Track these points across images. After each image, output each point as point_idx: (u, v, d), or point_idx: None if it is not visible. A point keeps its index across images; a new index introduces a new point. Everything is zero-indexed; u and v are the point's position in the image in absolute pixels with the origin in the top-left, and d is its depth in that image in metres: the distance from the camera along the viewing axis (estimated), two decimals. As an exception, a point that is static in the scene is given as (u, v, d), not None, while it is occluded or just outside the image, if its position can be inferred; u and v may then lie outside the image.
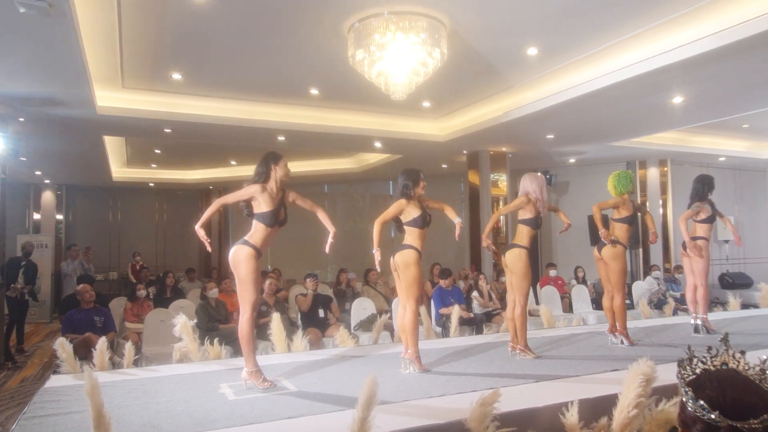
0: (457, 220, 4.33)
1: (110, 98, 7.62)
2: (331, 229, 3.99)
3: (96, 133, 9.05)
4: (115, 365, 4.75)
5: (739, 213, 13.17)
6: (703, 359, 1.20)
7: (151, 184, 15.57)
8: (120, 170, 13.65)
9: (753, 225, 13.52)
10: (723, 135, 11.33)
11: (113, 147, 11.33)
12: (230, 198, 3.89)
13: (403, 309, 4.21)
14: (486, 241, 4.75)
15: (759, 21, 5.12)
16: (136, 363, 4.64)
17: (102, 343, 4.31)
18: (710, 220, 5.62)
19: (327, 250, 3.96)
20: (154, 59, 6.65)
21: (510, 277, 4.66)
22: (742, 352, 1.19)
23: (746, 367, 1.16)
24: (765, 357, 1.17)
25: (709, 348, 1.24)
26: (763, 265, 13.34)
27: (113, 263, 15.51)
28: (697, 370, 1.19)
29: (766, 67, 6.31)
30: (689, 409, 1.14)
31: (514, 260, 4.56)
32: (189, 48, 6.35)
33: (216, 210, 3.85)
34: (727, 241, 12.58)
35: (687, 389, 1.15)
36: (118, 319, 7.26)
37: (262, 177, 3.79)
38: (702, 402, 1.11)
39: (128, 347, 4.43)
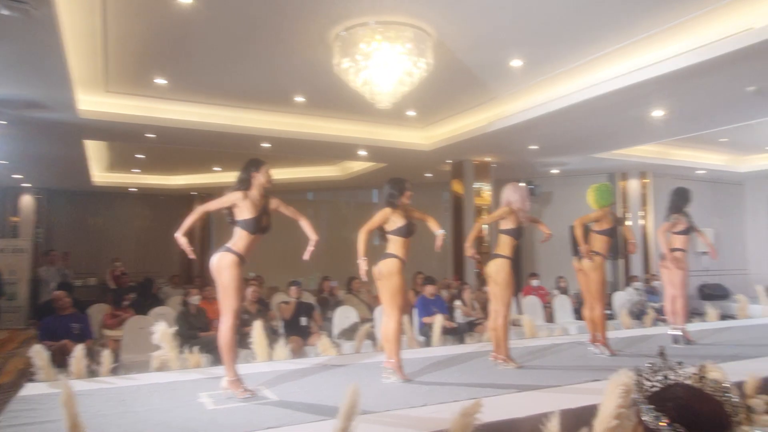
0: (438, 232, 4.35)
1: (93, 102, 7.53)
2: (312, 237, 3.98)
3: (77, 137, 8.93)
4: (92, 373, 4.66)
5: (717, 225, 13.39)
6: (660, 375, 1.22)
7: (133, 190, 15.37)
8: (101, 175, 13.47)
9: (731, 237, 13.75)
10: (702, 148, 11.55)
11: (95, 151, 11.19)
12: (212, 205, 3.85)
13: (387, 318, 4.20)
14: (470, 250, 4.77)
15: (736, 38, 5.24)
16: (113, 371, 4.56)
17: (79, 350, 4.23)
18: (687, 231, 5.72)
19: (306, 257, 3.94)
20: (138, 63, 6.59)
21: (493, 287, 4.68)
22: (680, 363, 1.22)
23: (683, 378, 1.19)
24: (702, 364, 1.20)
25: (679, 362, 1.26)
26: (740, 277, 13.57)
27: (93, 269, 15.22)
28: (654, 387, 1.20)
29: (743, 83, 6.46)
30: (652, 423, 1.15)
31: (497, 270, 4.59)
32: (174, 53, 6.31)
33: (198, 217, 3.80)
34: (705, 253, 12.76)
35: (649, 406, 1.16)
36: (96, 326, 7.14)
37: (244, 184, 3.77)
38: (666, 418, 1.12)
39: (106, 355, 4.36)
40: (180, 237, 3.67)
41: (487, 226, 10.18)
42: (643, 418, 1.16)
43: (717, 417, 1.12)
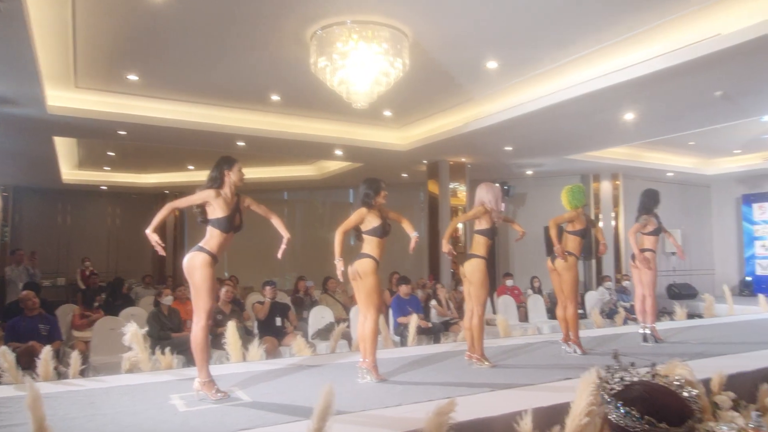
0: (413, 235, 4.38)
1: (62, 98, 7.35)
2: (285, 235, 3.95)
3: (46, 133, 8.71)
4: (60, 375, 4.55)
5: (685, 227, 13.72)
6: (617, 377, 1.29)
7: (104, 188, 15.06)
8: (71, 172, 13.16)
9: (698, 238, 14.11)
10: (671, 151, 11.83)
11: (64, 148, 10.93)
12: (182, 202, 3.77)
13: (363, 318, 4.20)
14: (447, 246, 4.76)
15: (704, 44, 5.38)
16: (82, 373, 4.47)
17: (46, 352, 4.13)
18: (657, 232, 5.84)
19: (279, 255, 3.91)
20: (109, 59, 6.46)
21: (468, 286, 4.71)
22: (632, 364, 1.32)
23: (638, 377, 1.28)
24: (653, 363, 1.33)
25: (632, 363, 1.33)
26: (707, 277, 13.94)
27: (61, 269, 14.89)
28: (613, 390, 1.27)
29: (711, 88, 6.63)
30: (621, 420, 1.20)
31: (472, 270, 4.62)
32: (146, 48, 6.20)
33: (168, 213, 3.69)
34: (673, 253, 13.07)
35: (618, 402, 1.21)
36: (65, 327, 6.98)
37: (216, 182, 3.72)
38: (635, 412, 1.18)
39: (74, 356, 4.26)
40: (151, 233, 3.57)
41: (462, 225, 10.26)
42: (610, 417, 1.21)
43: (680, 406, 1.20)
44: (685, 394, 1.25)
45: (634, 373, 1.29)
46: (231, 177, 3.74)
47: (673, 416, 1.17)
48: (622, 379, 1.26)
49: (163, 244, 3.59)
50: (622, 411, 1.20)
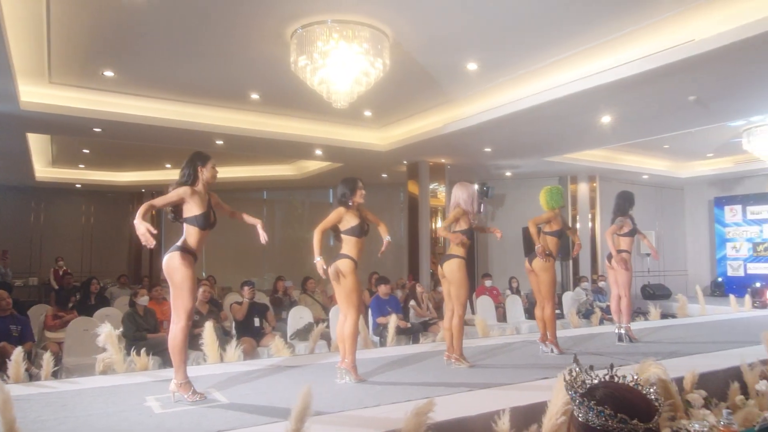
0: (386, 238, 4.43)
1: (35, 93, 7.20)
2: (256, 222, 3.95)
3: (19, 129, 8.51)
4: (32, 377, 4.46)
5: (659, 228, 13.99)
6: (579, 381, 1.34)
7: (78, 185, 14.76)
8: (44, 170, 12.89)
9: (672, 239, 14.40)
10: (646, 154, 12.05)
11: (38, 145, 10.70)
12: (159, 201, 3.62)
13: (343, 318, 4.19)
14: (448, 234, 4.72)
15: (679, 49, 5.49)
16: (55, 375, 4.38)
17: (18, 353, 4.04)
18: (632, 233, 5.95)
19: (263, 240, 3.88)
20: (84, 54, 6.33)
21: (448, 287, 4.72)
22: (591, 367, 1.37)
23: (598, 379, 1.34)
24: (611, 363, 1.39)
25: (591, 366, 1.40)
26: (680, 278, 14.23)
27: (34, 268, 14.58)
28: (582, 387, 1.32)
29: (685, 92, 6.77)
30: (591, 419, 1.24)
31: (452, 270, 4.62)
32: (123, 44, 6.09)
33: (146, 211, 3.45)
34: (648, 254, 13.31)
35: (591, 402, 1.25)
36: (37, 328, 6.84)
37: (190, 179, 3.66)
38: (608, 410, 1.22)
39: (46, 358, 4.17)
40: (139, 222, 3.29)
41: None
42: (578, 417, 1.25)
43: (645, 403, 1.25)
44: (646, 388, 1.32)
45: (594, 375, 1.34)
46: (204, 174, 3.69)
47: (642, 413, 1.22)
48: (583, 382, 1.31)
49: (155, 231, 3.32)
50: (594, 410, 1.23)
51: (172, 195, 3.62)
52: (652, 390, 1.31)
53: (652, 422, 1.22)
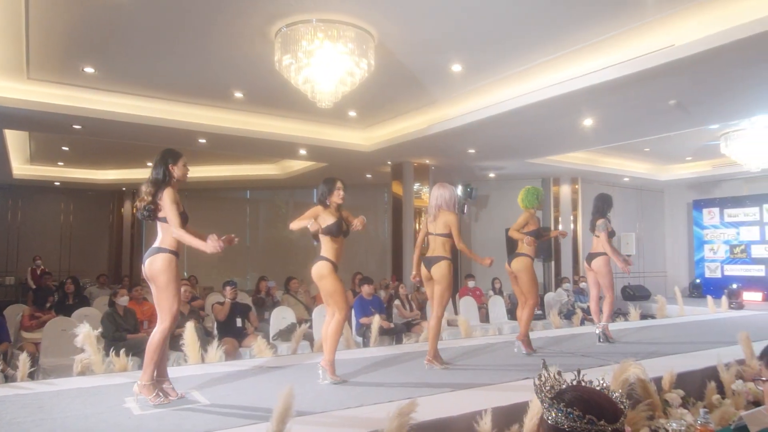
0: (357, 220, 4.33)
1: (13, 89, 7.06)
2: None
3: (-5, 126, 8.37)
4: (7, 378, 4.37)
5: (640, 230, 14.18)
6: (548, 385, 1.38)
7: (57, 183, 14.51)
8: (22, 167, 12.65)
9: (652, 241, 14.59)
10: (627, 157, 12.21)
11: (15, 141, 10.50)
12: (172, 215, 3.50)
13: (330, 317, 4.19)
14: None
15: (660, 54, 5.56)
16: (31, 376, 4.30)
17: (-8, 354, 3.96)
18: (612, 235, 6.01)
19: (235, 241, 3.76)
20: (64, 50, 6.23)
21: (433, 286, 4.70)
22: (559, 372, 1.42)
23: (566, 383, 1.38)
24: (578, 369, 1.44)
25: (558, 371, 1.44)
26: (660, 279, 14.43)
27: (11, 267, 14.32)
28: (552, 392, 1.36)
29: (665, 96, 6.87)
30: (560, 421, 1.28)
31: (441, 271, 4.61)
32: (104, 40, 5.99)
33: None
34: (629, 255, 13.49)
35: (560, 404, 1.29)
36: (14, 328, 6.71)
37: (166, 176, 3.62)
38: (577, 411, 1.26)
39: (23, 358, 4.09)
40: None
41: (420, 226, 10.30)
42: (547, 420, 1.29)
43: (612, 405, 1.30)
44: (611, 391, 1.37)
45: (562, 380, 1.39)
46: (176, 171, 3.64)
47: (609, 414, 1.26)
48: (552, 387, 1.36)
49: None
50: (564, 412, 1.27)
51: (175, 205, 3.50)
52: (617, 393, 1.36)
53: (618, 423, 1.27)
